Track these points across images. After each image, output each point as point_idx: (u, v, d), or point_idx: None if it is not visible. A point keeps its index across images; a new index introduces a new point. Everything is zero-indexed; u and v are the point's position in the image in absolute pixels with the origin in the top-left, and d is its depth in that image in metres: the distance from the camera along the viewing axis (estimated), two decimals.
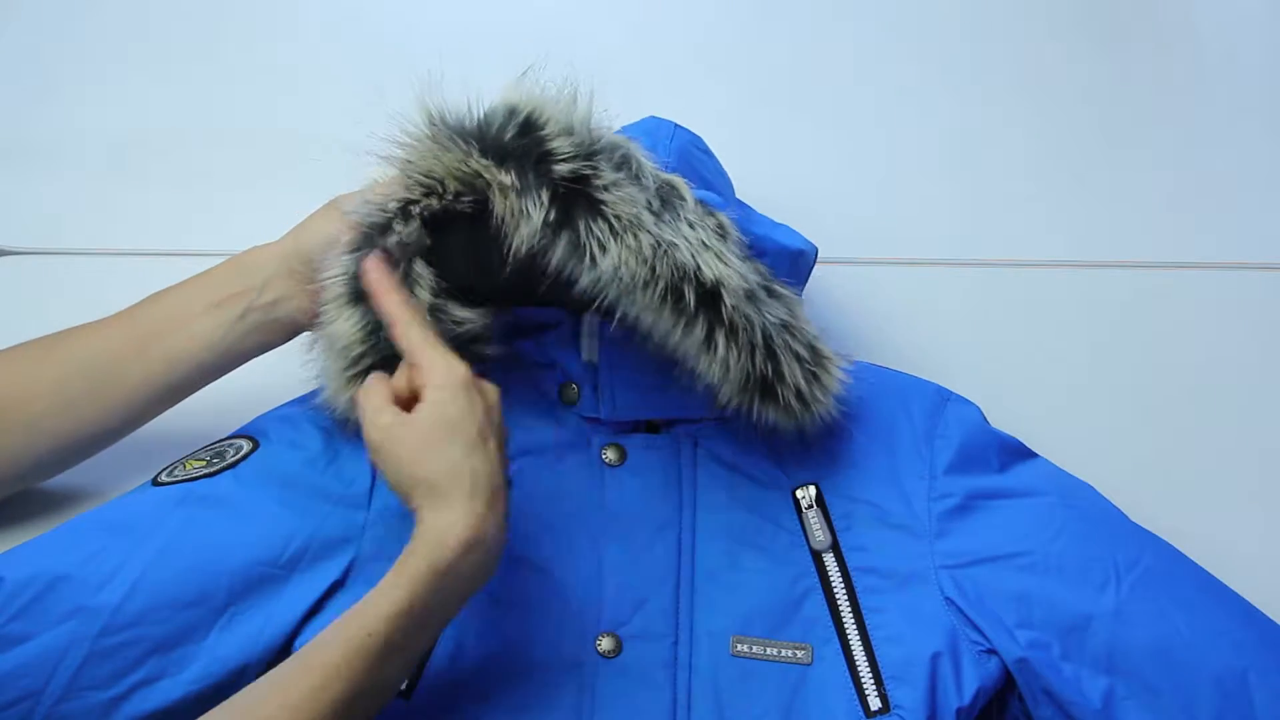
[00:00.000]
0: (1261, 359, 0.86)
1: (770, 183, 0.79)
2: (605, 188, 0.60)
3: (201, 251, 0.77)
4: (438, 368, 0.58)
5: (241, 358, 0.68)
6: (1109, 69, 0.97)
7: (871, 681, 0.64)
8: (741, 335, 0.62)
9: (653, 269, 0.60)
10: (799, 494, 0.70)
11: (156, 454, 0.71)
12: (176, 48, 0.98)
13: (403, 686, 0.62)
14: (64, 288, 0.88)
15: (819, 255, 0.71)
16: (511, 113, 0.61)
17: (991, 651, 0.65)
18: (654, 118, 0.72)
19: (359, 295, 0.63)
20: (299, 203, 0.68)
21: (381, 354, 0.63)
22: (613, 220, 0.59)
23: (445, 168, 0.61)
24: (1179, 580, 0.67)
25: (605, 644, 0.65)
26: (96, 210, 0.91)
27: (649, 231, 0.60)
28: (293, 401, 0.73)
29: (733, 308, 0.61)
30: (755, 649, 0.65)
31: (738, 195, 0.74)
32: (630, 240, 0.59)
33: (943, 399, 0.73)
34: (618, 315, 0.62)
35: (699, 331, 0.61)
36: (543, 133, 0.60)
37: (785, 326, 0.64)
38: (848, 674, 0.65)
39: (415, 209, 0.62)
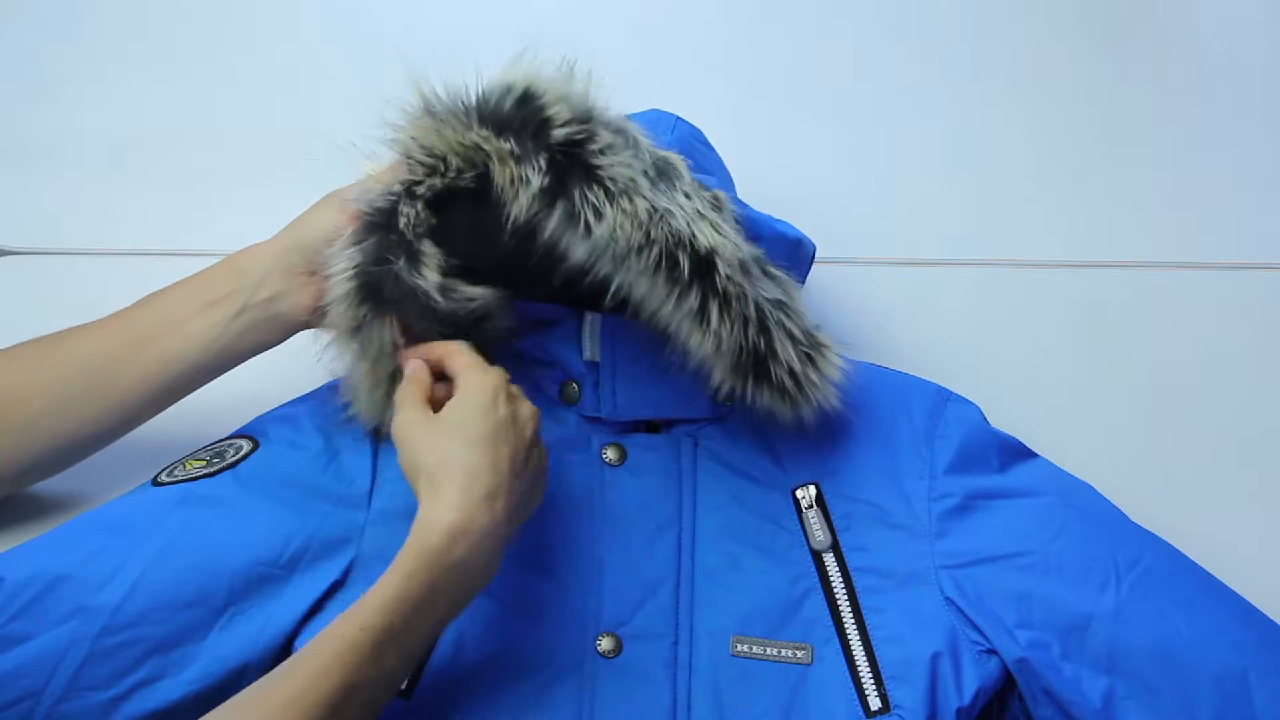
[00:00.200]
0: (1261, 359, 0.86)
1: (770, 183, 0.79)
2: (601, 151, 0.60)
3: (201, 251, 0.76)
4: (473, 376, 0.61)
5: (238, 357, 0.68)
6: (1109, 69, 0.97)
7: (871, 681, 0.64)
8: (734, 306, 0.61)
9: (648, 234, 0.60)
10: (799, 494, 0.70)
11: (156, 454, 0.71)
12: (176, 48, 0.98)
13: (403, 686, 0.62)
14: (64, 288, 0.88)
15: (818, 254, 0.72)
16: (509, 88, 0.61)
17: (991, 651, 0.65)
18: (656, 110, 0.72)
19: (369, 293, 0.62)
20: (299, 203, 0.68)
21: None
22: (609, 184, 0.60)
23: (447, 142, 0.61)
24: (1179, 580, 0.67)
25: (605, 644, 0.65)
26: (96, 210, 0.91)
27: (644, 196, 0.60)
28: (292, 401, 0.73)
29: (726, 277, 0.61)
30: (755, 649, 0.65)
31: (738, 194, 0.74)
32: (626, 204, 0.59)
33: (943, 399, 0.73)
34: (610, 290, 0.62)
35: (692, 300, 0.61)
36: (540, 102, 0.60)
37: (779, 305, 0.64)
38: (848, 674, 0.64)
39: (420, 189, 0.62)
